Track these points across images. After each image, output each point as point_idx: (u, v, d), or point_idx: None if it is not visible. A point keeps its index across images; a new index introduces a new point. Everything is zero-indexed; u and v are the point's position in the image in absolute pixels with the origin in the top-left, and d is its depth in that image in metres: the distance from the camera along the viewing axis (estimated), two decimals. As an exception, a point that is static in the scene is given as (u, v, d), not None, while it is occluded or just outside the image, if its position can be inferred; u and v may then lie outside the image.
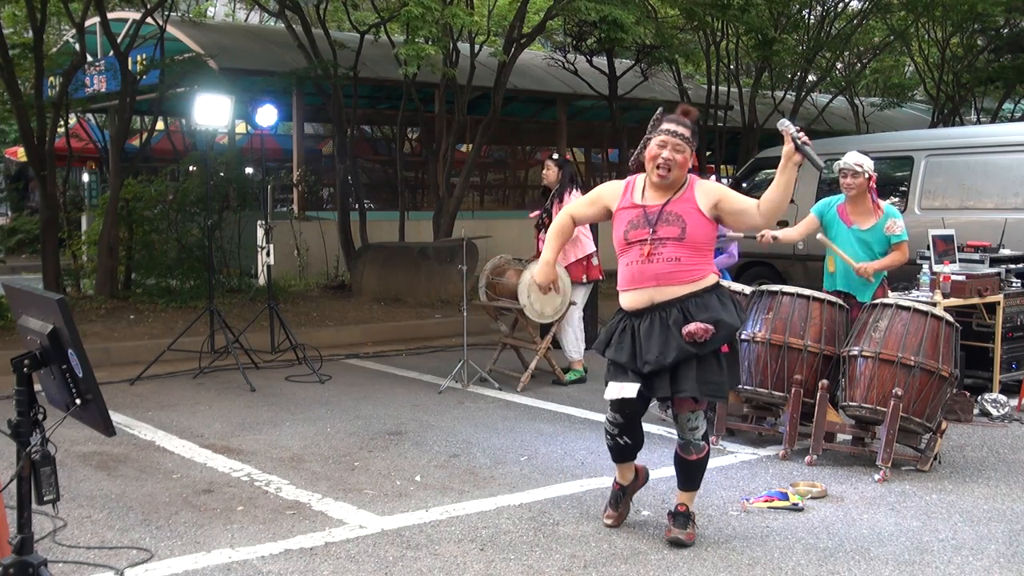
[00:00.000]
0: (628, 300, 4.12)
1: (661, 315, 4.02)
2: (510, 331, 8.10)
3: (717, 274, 4.14)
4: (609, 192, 4.30)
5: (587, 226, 7.52)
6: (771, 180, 4.02)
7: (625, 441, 4.26)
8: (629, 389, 4.07)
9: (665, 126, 4.07)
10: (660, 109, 4.22)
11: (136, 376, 7.78)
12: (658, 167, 4.03)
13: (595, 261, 7.76)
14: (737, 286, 6.35)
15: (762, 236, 6.17)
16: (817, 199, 10.34)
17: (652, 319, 4.03)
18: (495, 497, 4.82)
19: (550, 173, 7.76)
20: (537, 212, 7.98)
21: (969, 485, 5.10)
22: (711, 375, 4.03)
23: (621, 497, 4.44)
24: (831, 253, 6.26)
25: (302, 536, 4.27)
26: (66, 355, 2.71)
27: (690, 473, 4.24)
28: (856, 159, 6.06)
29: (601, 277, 7.89)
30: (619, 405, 4.16)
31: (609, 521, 4.40)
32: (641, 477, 4.53)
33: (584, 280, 7.70)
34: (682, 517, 4.22)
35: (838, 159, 6.31)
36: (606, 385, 4.19)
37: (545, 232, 7.71)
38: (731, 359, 4.13)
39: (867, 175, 6.04)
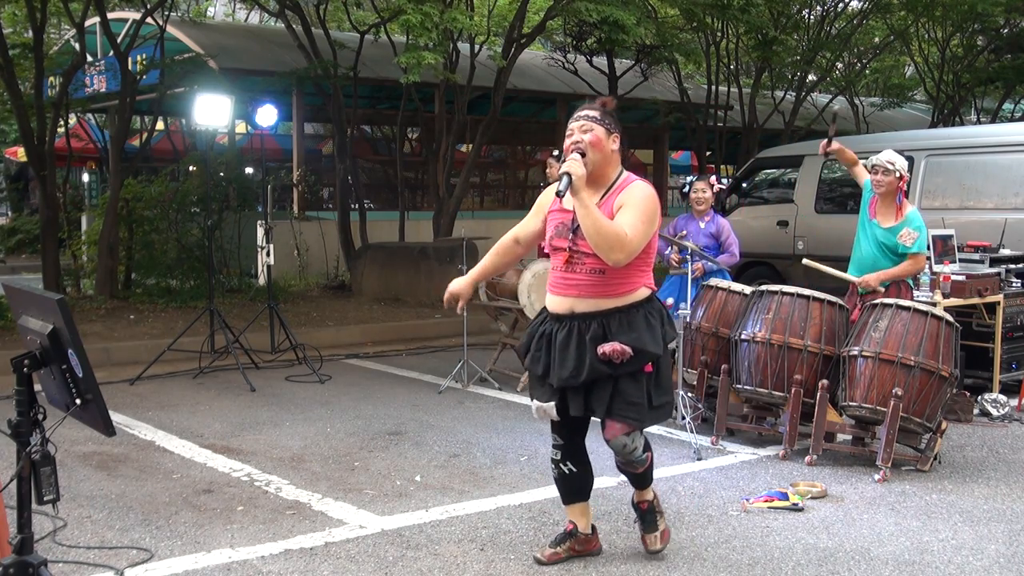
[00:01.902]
0: (551, 303, 3.86)
1: (580, 327, 3.72)
2: (510, 331, 8.10)
3: (650, 287, 3.83)
4: (547, 197, 3.98)
5: None
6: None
7: (569, 469, 3.94)
8: (550, 409, 3.82)
9: (575, 115, 3.81)
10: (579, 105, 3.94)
11: (136, 376, 7.78)
12: (575, 152, 3.69)
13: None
14: (737, 286, 6.36)
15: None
16: (817, 198, 10.43)
17: (571, 329, 3.74)
18: (495, 497, 4.82)
19: (555, 171, 7.76)
20: None
21: (969, 485, 5.10)
22: (630, 396, 3.72)
23: (566, 539, 4.00)
24: (862, 239, 6.18)
25: (302, 536, 4.27)
26: (66, 355, 2.71)
27: (638, 478, 4.00)
28: (889, 157, 5.97)
29: None
30: (555, 425, 3.92)
31: (538, 554, 3.98)
32: (594, 542, 4.07)
33: None
34: (649, 516, 4.03)
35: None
36: (532, 400, 3.96)
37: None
38: (656, 379, 3.79)
39: (898, 174, 5.94)
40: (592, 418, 3.91)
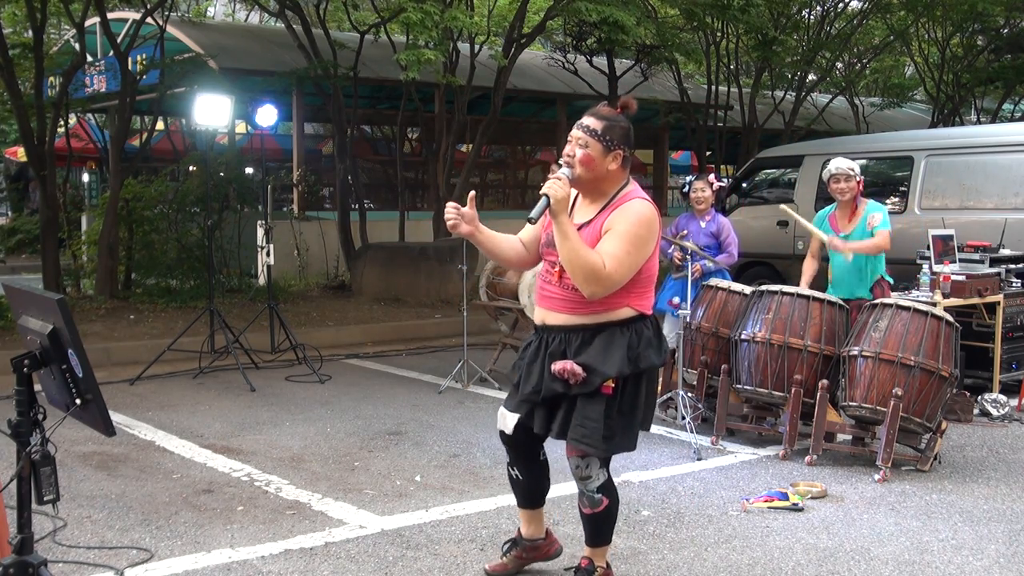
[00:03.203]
0: (535, 314, 3.69)
1: (547, 340, 3.52)
2: (510, 331, 8.10)
3: (639, 309, 3.48)
4: None
5: None
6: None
7: (516, 474, 3.73)
8: (508, 422, 3.64)
9: (580, 119, 3.48)
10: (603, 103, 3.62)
11: (136, 376, 7.78)
12: (565, 165, 3.45)
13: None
14: (737, 286, 6.36)
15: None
16: (817, 198, 10.43)
17: (540, 343, 3.55)
18: (495, 497, 4.82)
19: None
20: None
21: (969, 485, 5.10)
22: (584, 418, 3.42)
23: (512, 548, 3.85)
24: (828, 261, 6.31)
25: (302, 536, 4.27)
26: (66, 355, 2.71)
27: (591, 526, 3.61)
28: (847, 164, 6.13)
29: None
30: (504, 434, 3.70)
31: (487, 566, 3.87)
32: (546, 548, 3.87)
33: None
34: (583, 574, 3.65)
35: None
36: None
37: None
38: (618, 405, 3.45)
39: (857, 179, 6.14)
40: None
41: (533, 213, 3.36)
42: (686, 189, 7.06)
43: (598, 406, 3.42)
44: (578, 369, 3.38)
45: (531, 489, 3.78)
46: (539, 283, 3.63)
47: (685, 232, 6.86)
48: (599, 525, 3.60)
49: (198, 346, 8.14)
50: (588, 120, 3.45)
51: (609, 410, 3.44)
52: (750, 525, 4.45)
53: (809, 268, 6.40)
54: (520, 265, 3.88)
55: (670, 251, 6.79)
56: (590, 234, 3.43)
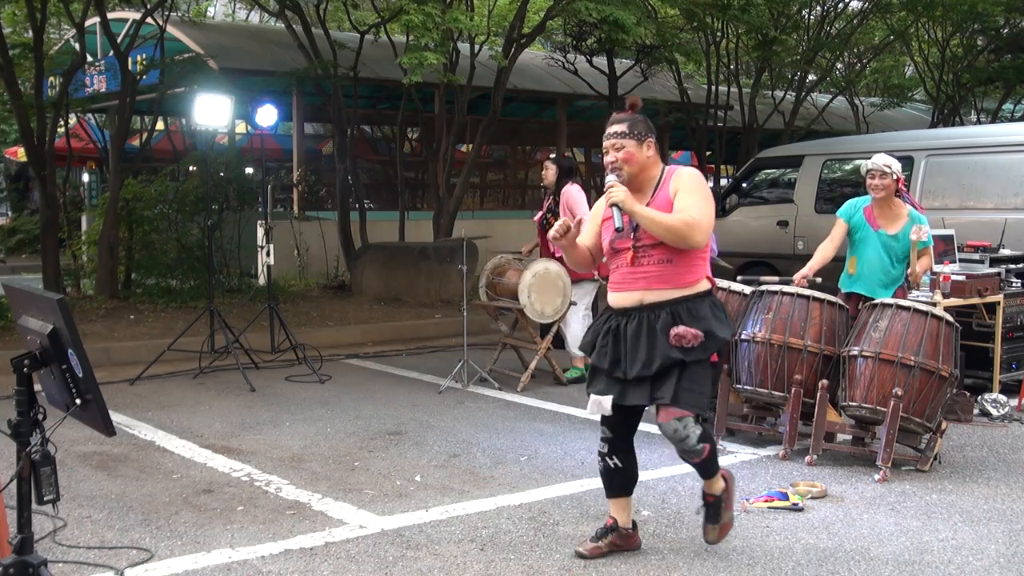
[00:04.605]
0: (617, 299, 3.94)
1: (649, 317, 3.82)
2: (510, 331, 8.11)
3: (712, 282, 3.96)
4: (601, 205, 4.06)
5: None
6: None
7: (615, 463, 3.99)
8: (605, 402, 3.89)
9: (606, 130, 3.95)
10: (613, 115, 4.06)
11: (136, 376, 7.78)
12: (611, 172, 3.89)
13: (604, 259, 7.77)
14: (737, 286, 6.36)
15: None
16: (817, 198, 10.43)
17: (640, 320, 3.83)
18: (495, 497, 4.82)
19: (548, 173, 7.80)
20: (540, 214, 7.99)
21: (969, 485, 5.10)
22: (694, 383, 3.79)
23: (607, 533, 4.06)
24: (853, 253, 6.21)
25: (302, 536, 4.27)
26: (66, 355, 2.71)
27: (701, 467, 3.97)
28: (884, 160, 6.00)
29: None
30: (606, 418, 3.96)
31: (581, 549, 4.03)
32: (634, 538, 4.13)
33: (596, 276, 7.69)
34: (712, 508, 4.02)
35: (843, 159, 6.31)
36: (588, 396, 3.99)
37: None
38: (715, 373, 3.89)
39: (895, 176, 5.99)
40: (645, 409, 3.99)
41: (617, 224, 3.79)
42: None
43: (706, 372, 3.84)
44: (699, 333, 3.75)
45: (629, 475, 4.07)
46: (617, 273, 3.95)
47: None
48: (708, 464, 3.94)
49: (198, 346, 8.14)
50: (614, 127, 3.92)
51: (708, 374, 3.87)
52: (750, 525, 4.45)
53: (825, 251, 6.17)
54: (590, 267, 4.27)
55: None
56: (663, 207, 3.86)
